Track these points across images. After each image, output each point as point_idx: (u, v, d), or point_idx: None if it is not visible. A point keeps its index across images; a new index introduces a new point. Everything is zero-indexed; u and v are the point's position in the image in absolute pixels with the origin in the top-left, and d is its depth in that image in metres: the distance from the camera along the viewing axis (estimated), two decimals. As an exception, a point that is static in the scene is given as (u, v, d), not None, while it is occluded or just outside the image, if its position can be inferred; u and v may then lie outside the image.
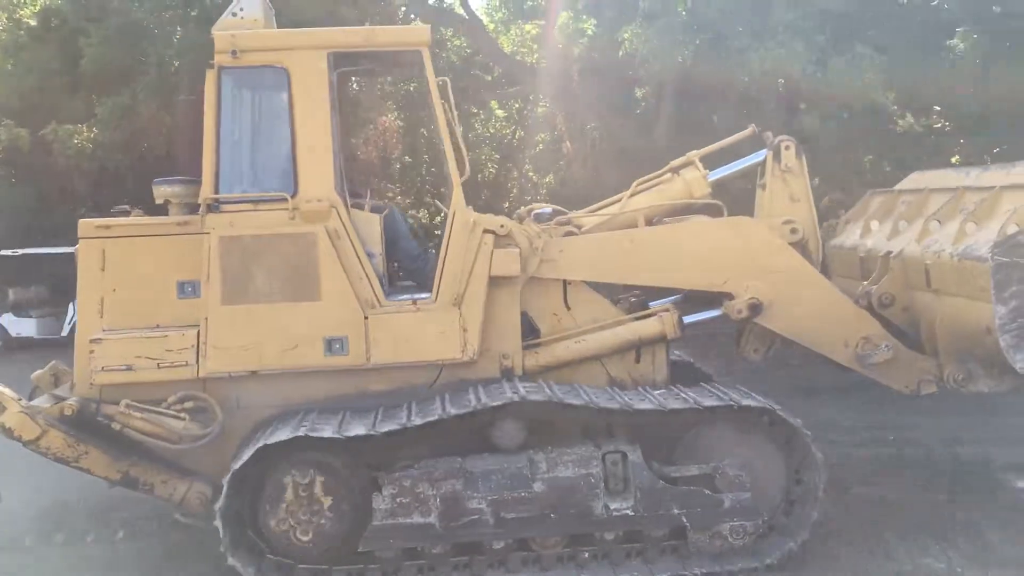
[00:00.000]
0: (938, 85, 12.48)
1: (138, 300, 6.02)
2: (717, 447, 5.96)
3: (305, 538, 5.67)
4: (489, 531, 5.72)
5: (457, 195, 6.08)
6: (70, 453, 5.76)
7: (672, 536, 5.90)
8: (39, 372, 6.68)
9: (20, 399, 5.80)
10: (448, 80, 6.08)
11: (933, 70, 12.04)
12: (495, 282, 6.11)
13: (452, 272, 6.06)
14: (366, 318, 5.96)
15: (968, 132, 13.58)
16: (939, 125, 14.98)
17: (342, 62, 6.33)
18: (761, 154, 6.81)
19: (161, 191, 6.27)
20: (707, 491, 5.80)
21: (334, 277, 5.95)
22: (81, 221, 6.17)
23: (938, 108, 14.11)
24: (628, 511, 5.74)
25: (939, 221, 6.62)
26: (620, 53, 12.17)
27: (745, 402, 5.86)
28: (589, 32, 13.36)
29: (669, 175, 6.87)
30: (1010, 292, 5.71)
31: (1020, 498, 7.16)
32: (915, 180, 7.82)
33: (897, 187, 7.96)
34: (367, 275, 6.00)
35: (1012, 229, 5.73)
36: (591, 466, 5.77)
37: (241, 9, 6.17)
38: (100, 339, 5.86)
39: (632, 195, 6.80)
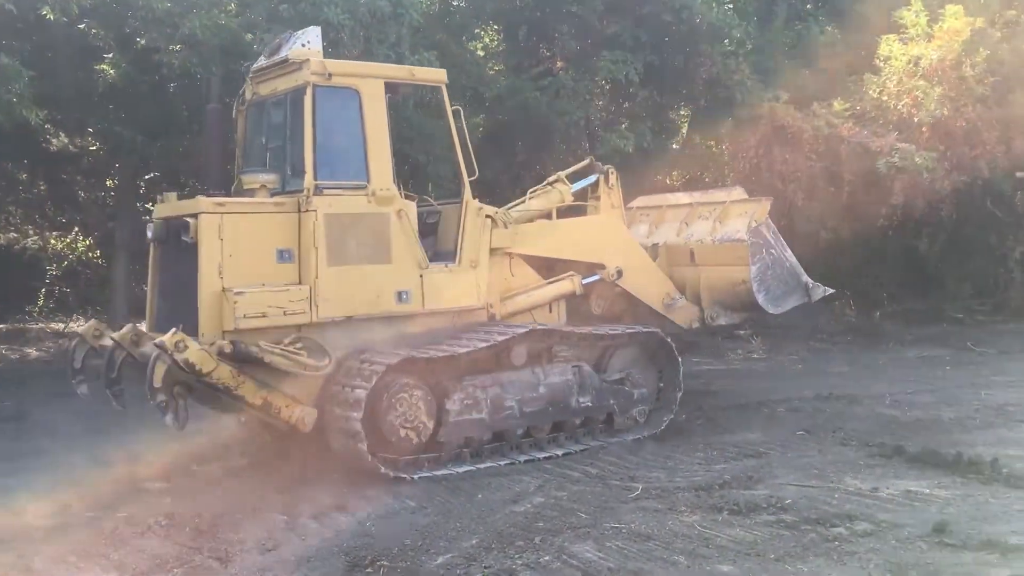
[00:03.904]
0: (90, 108, 13.64)
1: (248, 264, 7.37)
2: (626, 359, 9.26)
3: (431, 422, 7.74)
4: (517, 421, 8.29)
5: (467, 191, 8.52)
6: (233, 383, 6.95)
7: (603, 421, 9.03)
8: (84, 326, 8.10)
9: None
10: (460, 108, 8.52)
11: (85, 91, 13.28)
12: (492, 253, 8.67)
13: (469, 244, 8.48)
14: (421, 276, 8.12)
15: (123, 154, 14.42)
16: (94, 147, 15.92)
17: (389, 89, 8.33)
18: (594, 176, 10.29)
19: (257, 179, 7.69)
20: (625, 388, 9.06)
21: (400, 246, 8.01)
22: (200, 198, 7.32)
23: (92, 130, 14.75)
24: (589, 403, 8.77)
25: (687, 223, 10.83)
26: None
27: (644, 329, 9.29)
28: None
29: (548, 187, 10.01)
30: (757, 258, 10.06)
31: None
32: (644, 200, 12.02)
33: (631, 205, 12.06)
34: (417, 245, 8.14)
35: (754, 224, 10.07)
36: (568, 374, 8.67)
37: (308, 42, 7.90)
38: (243, 292, 7.15)
39: (530, 199, 9.81)
